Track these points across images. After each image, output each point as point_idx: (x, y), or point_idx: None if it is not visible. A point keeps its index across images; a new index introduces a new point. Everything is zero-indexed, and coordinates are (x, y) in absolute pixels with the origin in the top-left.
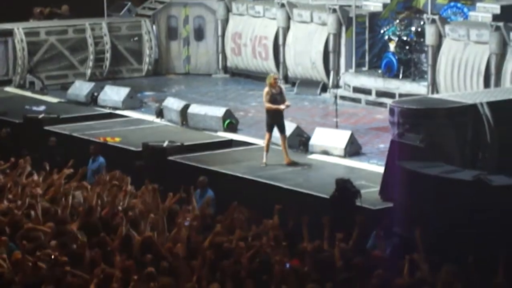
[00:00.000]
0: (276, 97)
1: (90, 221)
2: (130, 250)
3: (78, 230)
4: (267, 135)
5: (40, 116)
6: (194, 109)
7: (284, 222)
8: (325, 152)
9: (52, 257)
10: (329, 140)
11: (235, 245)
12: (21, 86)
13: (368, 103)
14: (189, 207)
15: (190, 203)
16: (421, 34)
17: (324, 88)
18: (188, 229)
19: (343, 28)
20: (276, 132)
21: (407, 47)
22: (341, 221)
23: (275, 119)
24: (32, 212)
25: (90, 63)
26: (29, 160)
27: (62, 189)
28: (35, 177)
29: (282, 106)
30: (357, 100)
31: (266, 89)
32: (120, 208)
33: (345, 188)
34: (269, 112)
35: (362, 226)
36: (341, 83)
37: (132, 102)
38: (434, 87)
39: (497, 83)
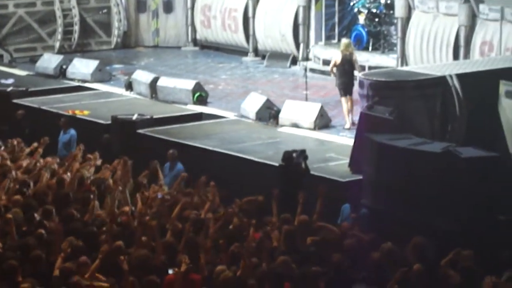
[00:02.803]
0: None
1: (60, 193)
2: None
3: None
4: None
5: (9, 89)
6: (163, 82)
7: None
8: (295, 125)
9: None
10: (299, 112)
11: (204, 217)
12: None
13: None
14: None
15: (156, 176)
16: (390, 7)
17: (294, 61)
18: (160, 202)
19: (313, 1)
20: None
21: (376, 20)
22: (290, 190)
23: None
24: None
25: (59, 36)
26: None
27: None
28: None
29: None
30: (327, 73)
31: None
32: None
33: (291, 158)
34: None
35: (323, 197)
36: (310, 55)
37: (101, 75)
38: (403, 59)
39: (466, 55)
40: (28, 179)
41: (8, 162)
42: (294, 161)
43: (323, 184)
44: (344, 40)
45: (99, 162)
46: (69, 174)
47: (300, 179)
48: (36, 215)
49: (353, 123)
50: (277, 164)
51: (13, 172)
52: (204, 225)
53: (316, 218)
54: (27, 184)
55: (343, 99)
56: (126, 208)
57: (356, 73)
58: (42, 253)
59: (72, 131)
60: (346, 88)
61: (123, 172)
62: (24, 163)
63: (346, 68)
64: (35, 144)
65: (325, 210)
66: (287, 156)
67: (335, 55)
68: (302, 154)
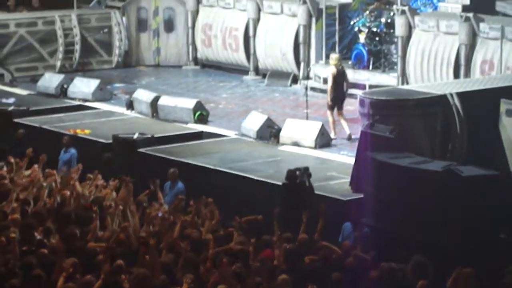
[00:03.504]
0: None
1: (61, 212)
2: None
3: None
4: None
5: (10, 108)
6: (164, 101)
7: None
8: (296, 144)
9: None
10: (299, 131)
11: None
12: None
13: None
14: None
15: (156, 195)
16: (391, 25)
17: (295, 80)
18: (161, 221)
19: (313, 20)
20: None
21: (377, 38)
22: (294, 208)
23: None
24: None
25: (60, 55)
26: None
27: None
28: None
29: None
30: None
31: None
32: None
33: (294, 176)
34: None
35: (325, 215)
36: (311, 74)
37: (102, 94)
38: (404, 78)
39: (467, 73)
40: (28, 198)
41: (7, 182)
42: (298, 179)
43: (323, 203)
44: (335, 55)
45: (100, 182)
46: (67, 192)
47: (305, 197)
48: (36, 234)
49: (349, 137)
50: (278, 183)
51: (13, 191)
52: (204, 244)
53: (318, 237)
54: (27, 203)
55: (332, 113)
56: (127, 226)
57: (345, 86)
58: (43, 272)
59: (73, 150)
60: (341, 103)
61: (124, 191)
62: (24, 181)
63: (339, 83)
64: (35, 166)
65: (326, 228)
66: (291, 174)
67: (330, 70)
68: (306, 171)
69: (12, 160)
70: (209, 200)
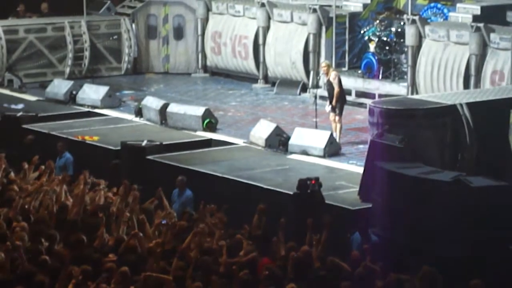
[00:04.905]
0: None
1: (66, 219)
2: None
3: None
4: None
5: (18, 114)
6: (173, 108)
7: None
8: (305, 152)
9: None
10: (308, 140)
11: (215, 245)
12: None
13: (348, 103)
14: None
15: (162, 203)
16: (401, 35)
17: (304, 88)
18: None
19: (323, 28)
20: None
21: (387, 48)
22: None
23: None
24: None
25: (69, 61)
26: (3, 158)
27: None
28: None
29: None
30: None
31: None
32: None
33: (306, 185)
34: None
35: (329, 228)
36: (320, 83)
37: (111, 101)
38: (413, 87)
39: (477, 84)
40: (33, 204)
41: (16, 187)
42: (310, 188)
43: (328, 215)
44: (328, 61)
45: (105, 189)
46: (71, 199)
47: (317, 207)
48: (42, 241)
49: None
50: (286, 192)
51: (19, 198)
52: (215, 253)
53: (321, 250)
54: (31, 210)
55: (338, 118)
56: (135, 233)
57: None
58: (46, 279)
59: (67, 155)
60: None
61: (130, 198)
62: (30, 187)
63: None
64: (42, 167)
65: (335, 237)
66: (302, 184)
67: (337, 74)
68: (317, 181)
69: (26, 166)
70: (213, 207)
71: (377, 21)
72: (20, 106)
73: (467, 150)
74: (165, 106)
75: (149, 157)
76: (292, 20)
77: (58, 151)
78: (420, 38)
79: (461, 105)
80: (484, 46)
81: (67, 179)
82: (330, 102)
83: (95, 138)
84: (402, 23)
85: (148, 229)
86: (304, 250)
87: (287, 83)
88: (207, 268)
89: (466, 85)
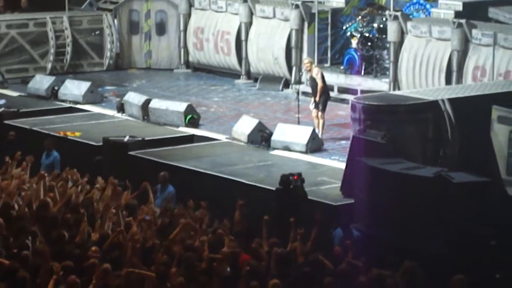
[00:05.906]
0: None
1: (47, 215)
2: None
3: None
4: None
5: (0, 110)
6: (155, 104)
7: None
8: (287, 148)
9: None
10: (291, 136)
11: (198, 241)
12: None
13: (330, 99)
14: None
15: (147, 198)
16: (383, 31)
17: (286, 84)
18: (147, 224)
19: (306, 24)
20: None
21: (369, 44)
22: (288, 213)
23: None
24: None
25: (51, 57)
26: None
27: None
28: None
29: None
30: None
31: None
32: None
33: (288, 181)
34: None
35: (321, 224)
36: (303, 79)
37: (92, 97)
38: (396, 83)
39: (459, 80)
40: (13, 200)
41: None
42: (292, 184)
43: (319, 212)
44: (310, 58)
45: (86, 185)
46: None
47: (299, 202)
48: (21, 237)
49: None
50: (269, 187)
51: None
52: (198, 249)
53: (311, 247)
54: (11, 206)
55: (320, 114)
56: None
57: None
58: (27, 275)
59: (55, 153)
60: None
61: (113, 194)
62: (10, 184)
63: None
64: (24, 163)
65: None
66: (285, 179)
67: (319, 70)
68: (300, 177)
69: (7, 159)
70: (202, 204)
71: (359, 17)
72: (2, 101)
73: (449, 145)
74: (147, 102)
75: (131, 152)
76: (274, 16)
77: (45, 148)
78: (402, 34)
79: (443, 101)
80: (466, 42)
81: (54, 176)
82: (314, 99)
83: (77, 134)
84: (384, 19)
85: (134, 226)
86: (289, 246)
87: (269, 79)
88: (190, 264)
89: (448, 81)
